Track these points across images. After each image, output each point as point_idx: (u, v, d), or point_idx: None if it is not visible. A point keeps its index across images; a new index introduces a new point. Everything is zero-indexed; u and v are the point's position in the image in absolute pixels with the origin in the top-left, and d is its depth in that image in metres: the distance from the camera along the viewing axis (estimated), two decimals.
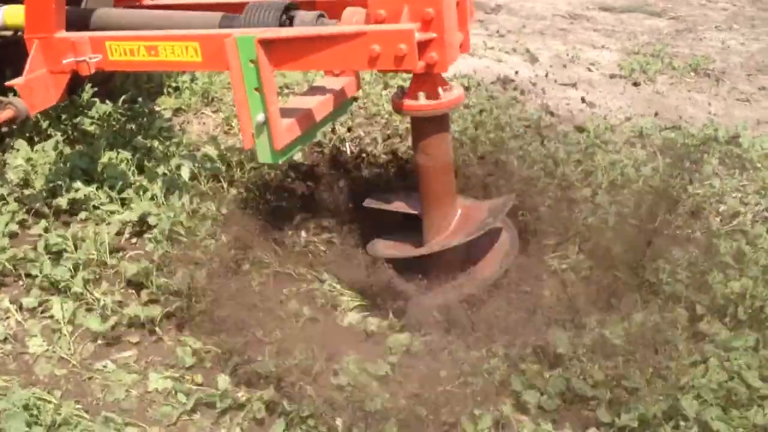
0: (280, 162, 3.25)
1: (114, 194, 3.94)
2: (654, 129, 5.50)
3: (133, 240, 3.76)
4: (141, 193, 3.90)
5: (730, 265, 3.46)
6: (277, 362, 2.86)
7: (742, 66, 7.94)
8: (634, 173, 4.53)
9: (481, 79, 6.49)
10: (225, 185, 4.11)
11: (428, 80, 3.03)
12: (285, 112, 3.22)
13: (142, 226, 3.75)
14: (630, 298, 3.20)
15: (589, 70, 7.62)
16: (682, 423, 2.68)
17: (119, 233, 3.73)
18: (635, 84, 7.17)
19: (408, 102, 3.07)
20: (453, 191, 3.28)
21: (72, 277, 3.35)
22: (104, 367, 2.97)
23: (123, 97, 5.03)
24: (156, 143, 4.41)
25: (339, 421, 2.64)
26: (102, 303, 3.22)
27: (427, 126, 3.13)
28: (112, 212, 3.80)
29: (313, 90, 3.63)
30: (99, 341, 3.12)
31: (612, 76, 7.40)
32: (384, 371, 2.85)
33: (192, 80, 5.84)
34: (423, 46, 2.87)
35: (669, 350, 2.98)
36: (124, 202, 3.90)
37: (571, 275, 3.40)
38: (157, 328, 3.12)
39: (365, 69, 2.99)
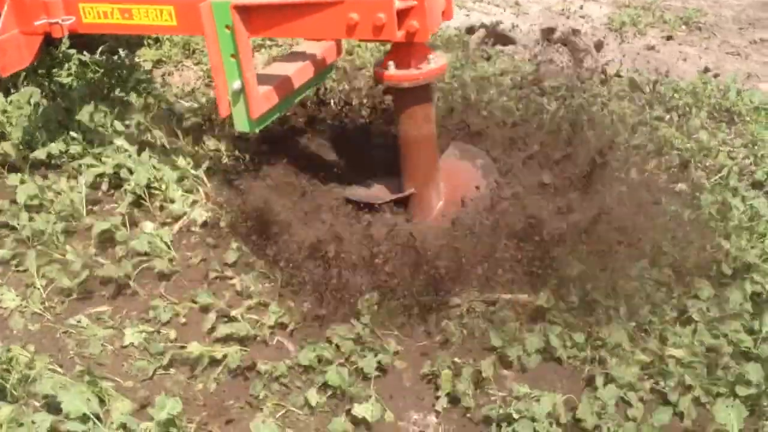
0: (257, 131, 3.19)
1: (91, 147, 3.85)
2: (644, 83, 5.41)
3: (110, 192, 3.68)
4: (117, 146, 3.81)
5: (714, 218, 3.42)
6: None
7: (734, 19, 7.83)
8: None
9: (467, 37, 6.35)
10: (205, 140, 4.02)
11: (409, 49, 2.95)
12: (263, 79, 3.17)
13: (118, 179, 3.67)
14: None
15: (581, 23, 7.51)
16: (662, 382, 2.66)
17: (95, 186, 3.65)
18: (625, 38, 7.07)
19: (389, 71, 2.98)
20: (435, 163, 3.23)
21: (47, 230, 3.28)
22: (78, 322, 2.91)
23: (101, 48, 4.90)
24: (134, 95, 4.30)
25: (312, 392, 2.61)
26: (75, 257, 3.16)
27: (409, 96, 3.06)
28: (89, 165, 3.71)
29: (293, 56, 3.56)
30: (73, 296, 3.06)
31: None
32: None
33: None
34: (403, 15, 2.78)
35: (653, 308, 2.95)
36: (100, 156, 3.81)
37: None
38: (131, 283, 3.06)
39: (343, 38, 2.92)
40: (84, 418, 2.35)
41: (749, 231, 3.37)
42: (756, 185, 4.05)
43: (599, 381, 2.63)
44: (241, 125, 3.11)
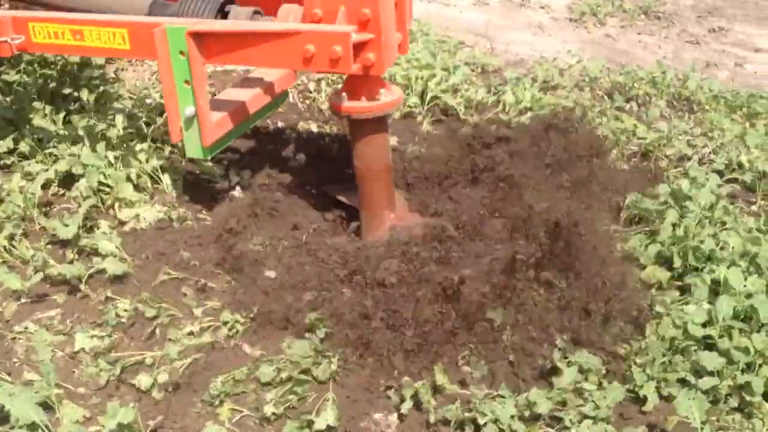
0: (209, 157, 3.15)
1: (41, 146, 3.74)
2: (603, 72, 5.41)
3: (61, 193, 3.57)
4: (68, 145, 3.70)
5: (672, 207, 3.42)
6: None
7: (692, 8, 7.89)
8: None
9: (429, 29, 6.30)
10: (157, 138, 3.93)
11: (365, 81, 2.95)
12: (216, 105, 3.15)
13: (69, 180, 3.57)
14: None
15: (542, 12, 7.51)
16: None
17: (46, 186, 3.55)
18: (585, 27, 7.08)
19: (345, 103, 2.99)
20: (390, 195, 3.22)
21: None
22: (26, 328, 2.82)
23: None
24: (86, 92, 4.19)
25: (267, 395, 2.55)
26: (26, 260, 3.07)
27: (364, 127, 3.05)
28: (40, 165, 3.61)
29: (248, 81, 3.52)
30: (22, 300, 2.96)
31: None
32: None
33: None
34: (359, 48, 2.79)
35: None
36: (51, 155, 3.70)
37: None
38: (83, 286, 2.97)
39: (299, 69, 2.91)
40: (33, 426, 2.28)
41: (708, 220, 3.37)
42: (715, 173, 4.05)
43: (561, 365, 2.62)
44: (193, 152, 3.08)
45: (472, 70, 5.39)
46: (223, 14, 3.16)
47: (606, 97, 5.06)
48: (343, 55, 2.72)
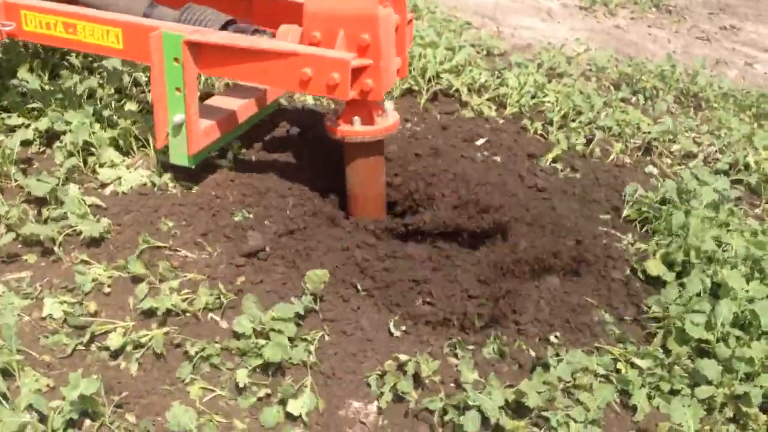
0: (193, 166, 3.07)
1: (24, 101, 3.58)
2: (611, 63, 5.27)
3: (41, 150, 3.43)
4: (53, 101, 3.55)
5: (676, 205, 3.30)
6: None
7: (704, 4, 7.74)
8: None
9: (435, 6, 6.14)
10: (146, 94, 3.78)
11: (362, 106, 2.91)
12: (205, 111, 3.08)
13: (52, 136, 3.42)
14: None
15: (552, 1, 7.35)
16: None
17: (27, 144, 3.40)
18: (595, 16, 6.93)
19: (341, 127, 2.94)
20: (381, 212, 3.15)
21: None
22: None
23: None
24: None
25: (241, 372, 2.42)
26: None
27: (360, 151, 3.00)
28: (21, 119, 3.46)
29: (238, 89, 3.43)
30: None
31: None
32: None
33: None
34: (357, 73, 2.76)
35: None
36: (33, 110, 3.55)
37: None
38: (56, 248, 2.83)
39: (294, 91, 2.88)
40: None
41: (710, 220, 3.25)
42: (719, 173, 3.94)
43: (552, 362, 2.51)
44: (178, 159, 3.01)
45: (477, 52, 5.25)
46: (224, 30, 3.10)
47: (612, 88, 4.92)
48: (341, 82, 2.68)
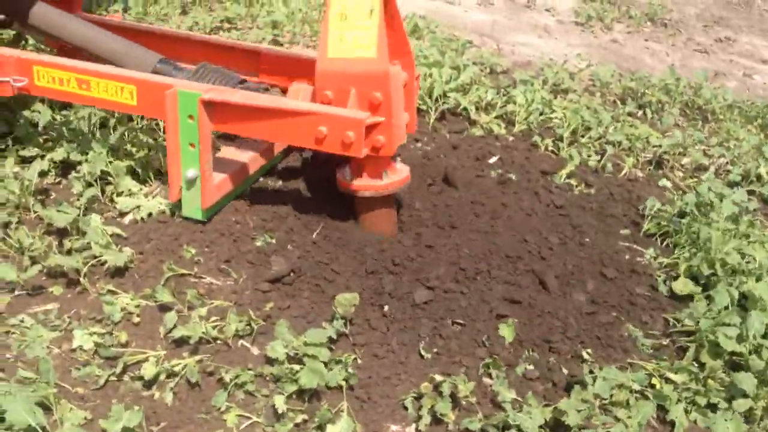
0: (206, 219, 3.08)
1: (36, 131, 3.57)
2: (614, 77, 5.31)
3: (57, 181, 3.41)
4: (66, 130, 3.54)
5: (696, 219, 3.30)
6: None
7: (697, 17, 7.81)
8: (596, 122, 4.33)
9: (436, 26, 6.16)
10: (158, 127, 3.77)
11: (374, 162, 3.00)
12: (218, 165, 3.11)
13: (67, 167, 3.41)
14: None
15: (548, 14, 7.39)
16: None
17: (42, 174, 3.38)
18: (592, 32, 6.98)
19: (355, 182, 3.04)
20: None
21: None
22: (21, 321, 2.65)
23: None
24: None
25: (278, 399, 2.39)
26: (21, 250, 2.90)
27: (371, 204, 3.09)
28: (36, 150, 3.44)
29: (249, 140, 3.43)
30: (17, 292, 2.79)
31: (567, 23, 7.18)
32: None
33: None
34: (369, 129, 2.84)
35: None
36: (47, 141, 3.54)
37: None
38: (81, 279, 2.81)
39: (309, 147, 2.91)
40: (29, 431, 2.11)
41: (731, 233, 3.26)
42: (731, 185, 3.96)
43: (588, 379, 2.50)
44: (191, 212, 3.03)
45: (481, 71, 5.27)
46: None
47: (618, 103, 4.95)
48: (356, 141, 2.75)
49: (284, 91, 3.43)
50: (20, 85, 3.18)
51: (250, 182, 3.39)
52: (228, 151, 3.35)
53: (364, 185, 3.03)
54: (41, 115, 3.63)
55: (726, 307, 2.83)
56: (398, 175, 3.08)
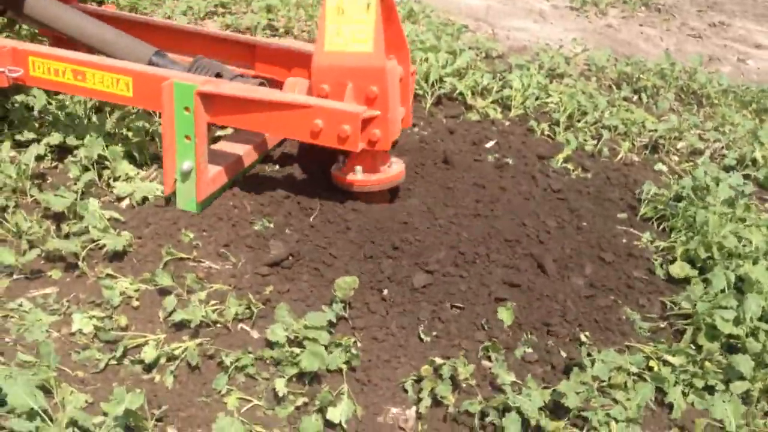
0: (200, 211, 3.07)
1: (31, 114, 3.55)
2: (609, 62, 5.30)
3: (54, 165, 3.40)
4: (62, 114, 3.52)
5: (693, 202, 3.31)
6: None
7: (691, 2, 7.81)
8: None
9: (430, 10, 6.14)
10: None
11: (369, 155, 3.03)
12: (213, 157, 3.11)
13: (63, 151, 3.39)
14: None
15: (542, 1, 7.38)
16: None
17: (38, 158, 3.36)
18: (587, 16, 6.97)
19: (349, 176, 3.07)
20: None
21: None
22: (20, 305, 2.65)
23: None
24: None
25: (279, 382, 2.40)
26: (19, 233, 2.89)
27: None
28: (32, 134, 3.43)
29: (244, 134, 3.45)
30: (15, 276, 2.79)
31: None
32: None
33: None
34: (366, 123, 2.85)
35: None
36: (42, 125, 3.52)
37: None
38: (80, 263, 2.81)
39: (306, 141, 2.92)
40: (31, 414, 2.11)
41: (727, 216, 3.27)
42: (727, 169, 3.97)
43: (586, 362, 2.50)
44: (185, 205, 3.03)
45: (476, 55, 5.26)
46: None
47: (614, 87, 4.95)
48: (352, 134, 2.76)
49: (280, 85, 3.42)
50: (15, 76, 3.17)
51: (245, 173, 3.39)
52: (222, 145, 3.35)
53: (359, 180, 3.06)
54: (36, 99, 3.61)
55: (723, 290, 2.85)
56: (394, 169, 3.12)
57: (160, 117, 3.24)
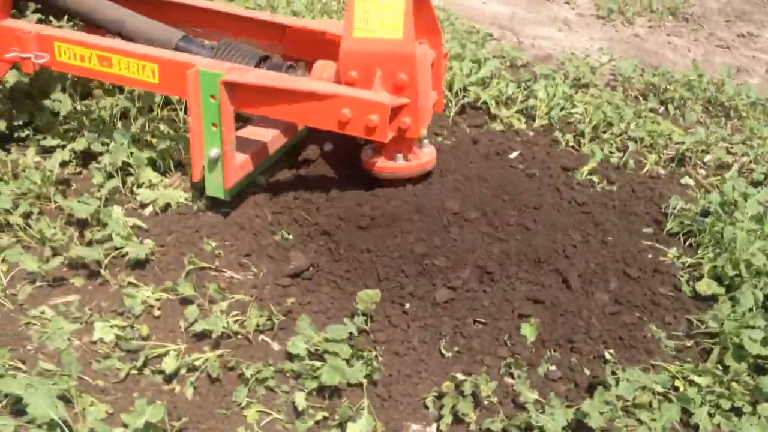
0: (229, 198, 3.06)
1: (57, 120, 3.56)
2: (636, 72, 5.25)
3: (78, 171, 3.41)
4: (87, 121, 3.53)
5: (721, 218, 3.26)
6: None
7: (719, 11, 7.72)
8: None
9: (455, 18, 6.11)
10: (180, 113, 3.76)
11: (400, 143, 2.97)
12: (240, 143, 3.07)
13: (88, 157, 3.40)
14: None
15: (568, 7, 7.33)
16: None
17: (62, 164, 3.37)
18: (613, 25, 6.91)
19: (379, 163, 3.02)
20: None
21: (10, 209, 3.00)
22: (42, 313, 2.65)
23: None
24: None
25: (299, 396, 2.38)
26: (42, 240, 2.90)
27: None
28: (57, 140, 3.44)
29: (268, 120, 3.38)
30: (38, 283, 2.80)
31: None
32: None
33: None
34: (395, 111, 2.79)
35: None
36: (68, 131, 3.53)
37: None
38: (102, 271, 2.81)
39: (332, 130, 2.85)
40: (52, 425, 2.11)
41: (756, 233, 3.22)
42: (755, 184, 3.91)
43: (610, 381, 2.47)
44: (213, 192, 3.00)
45: (501, 64, 5.23)
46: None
47: (640, 98, 4.90)
48: (380, 125, 2.70)
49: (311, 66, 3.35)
50: (41, 62, 3.13)
51: (272, 160, 3.36)
52: (249, 130, 3.30)
53: (389, 167, 3.00)
54: (62, 104, 3.62)
55: (750, 309, 2.80)
56: (424, 157, 3.05)
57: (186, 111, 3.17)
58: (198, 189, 3.19)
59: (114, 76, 3.10)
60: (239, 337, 2.59)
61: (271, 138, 3.24)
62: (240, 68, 2.91)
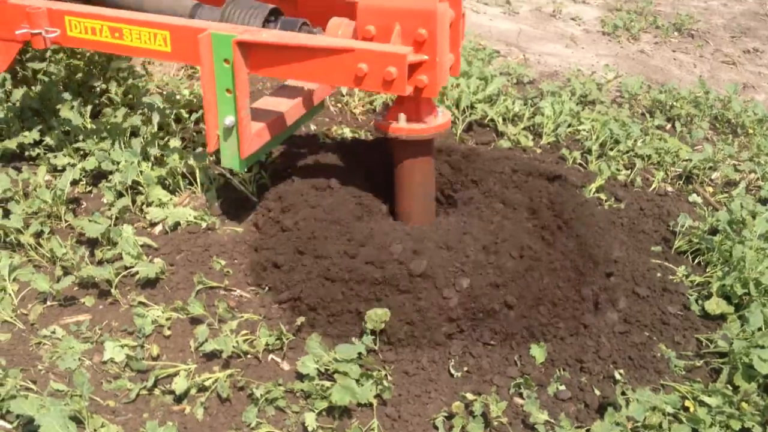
0: (245, 169, 3.01)
1: (68, 139, 3.59)
2: (642, 89, 5.26)
3: (89, 189, 3.43)
4: (97, 140, 3.55)
5: (729, 236, 3.26)
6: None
7: (725, 27, 7.74)
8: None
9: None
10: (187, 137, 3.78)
11: (416, 103, 2.84)
12: (255, 114, 3.01)
13: (98, 175, 3.42)
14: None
15: (574, 23, 7.35)
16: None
17: (73, 183, 3.40)
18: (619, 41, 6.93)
19: (393, 124, 2.87)
20: (431, 212, 3.11)
21: (21, 228, 3.02)
22: (53, 332, 2.66)
23: None
24: (114, 86, 4.04)
25: (309, 416, 2.38)
26: (53, 260, 2.91)
27: (410, 150, 2.94)
28: (67, 158, 3.46)
29: (286, 90, 3.37)
30: (49, 302, 2.81)
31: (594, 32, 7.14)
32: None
33: None
34: (413, 68, 2.67)
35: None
36: (78, 150, 3.56)
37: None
38: (113, 290, 2.82)
39: (349, 86, 2.76)
40: None
41: (765, 252, 3.21)
42: (763, 201, 3.91)
43: (620, 401, 2.47)
44: (229, 162, 2.93)
45: (508, 81, 5.25)
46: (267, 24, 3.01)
47: (647, 115, 4.91)
48: (398, 77, 2.58)
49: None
50: (53, 37, 3.09)
51: (290, 132, 3.31)
52: (265, 101, 3.25)
53: (404, 129, 2.87)
54: (72, 122, 3.65)
55: (760, 329, 2.80)
56: (440, 119, 2.92)
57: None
58: (208, 206, 3.21)
59: (126, 48, 3.03)
60: (249, 356, 2.60)
61: (288, 109, 3.18)
62: (253, 29, 2.83)
